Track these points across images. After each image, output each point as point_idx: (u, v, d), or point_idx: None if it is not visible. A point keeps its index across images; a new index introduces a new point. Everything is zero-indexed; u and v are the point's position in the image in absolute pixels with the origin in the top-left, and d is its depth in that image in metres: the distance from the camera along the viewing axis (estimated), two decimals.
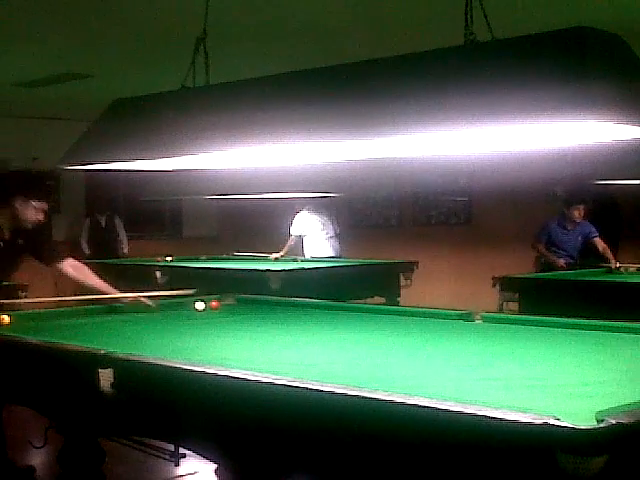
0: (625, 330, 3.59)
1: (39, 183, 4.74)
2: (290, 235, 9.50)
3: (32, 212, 4.51)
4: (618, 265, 7.37)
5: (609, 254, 7.75)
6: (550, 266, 7.78)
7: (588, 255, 7.99)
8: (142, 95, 3.92)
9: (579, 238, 7.95)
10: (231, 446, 2.59)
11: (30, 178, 4.76)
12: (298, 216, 9.56)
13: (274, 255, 9.18)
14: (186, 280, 7.39)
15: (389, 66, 3.03)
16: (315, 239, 9.53)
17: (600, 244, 7.87)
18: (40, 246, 4.64)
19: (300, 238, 9.51)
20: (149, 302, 4.55)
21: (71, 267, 4.62)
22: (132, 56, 7.29)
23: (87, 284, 4.59)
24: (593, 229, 7.93)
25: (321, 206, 9.64)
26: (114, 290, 4.56)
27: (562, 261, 7.78)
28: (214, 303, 4.70)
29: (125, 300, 4.54)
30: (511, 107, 2.43)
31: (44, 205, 4.55)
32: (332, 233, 9.64)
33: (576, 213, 7.82)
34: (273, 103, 3.20)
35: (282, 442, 2.44)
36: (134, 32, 6.46)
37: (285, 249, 9.38)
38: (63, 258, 4.64)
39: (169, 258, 9.14)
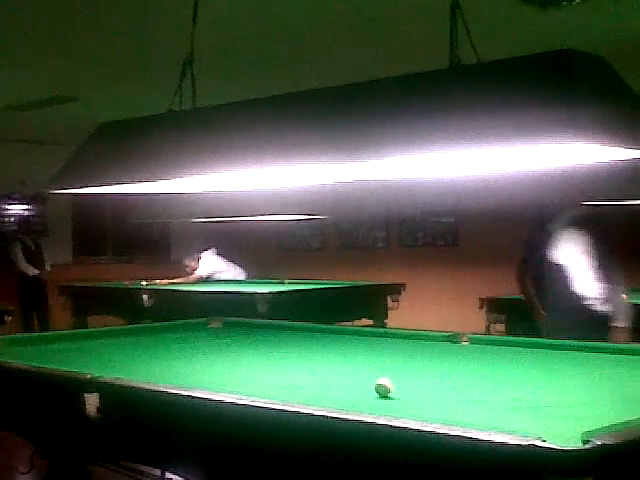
0: (611, 351, 3.59)
1: None
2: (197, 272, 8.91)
3: None
4: None
5: None
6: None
7: None
8: (129, 118, 3.92)
9: None
10: (218, 471, 2.58)
11: None
12: (204, 257, 9.10)
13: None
14: (173, 303, 7.38)
15: (374, 89, 3.04)
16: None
17: None
18: None
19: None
20: None
21: None
22: (119, 79, 7.31)
23: None
24: None
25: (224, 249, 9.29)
26: None
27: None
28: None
29: None
30: (497, 129, 2.44)
31: None
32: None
33: None
34: (260, 126, 3.20)
35: (270, 466, 2.42)
36: (121, 55, 6.48)
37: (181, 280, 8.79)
38: None
39: (157, 281, 8.91)
